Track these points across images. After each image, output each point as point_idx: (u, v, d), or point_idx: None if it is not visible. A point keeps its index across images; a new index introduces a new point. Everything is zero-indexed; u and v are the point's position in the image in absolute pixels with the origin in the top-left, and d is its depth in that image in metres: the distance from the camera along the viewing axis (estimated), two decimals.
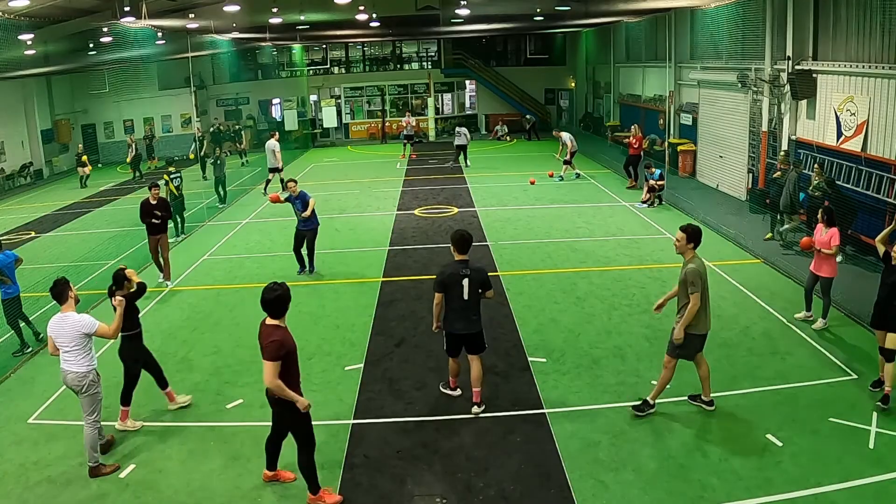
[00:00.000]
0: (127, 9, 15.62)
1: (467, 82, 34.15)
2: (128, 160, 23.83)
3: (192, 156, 26.53)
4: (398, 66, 34.52)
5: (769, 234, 12.85)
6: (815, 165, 12.24)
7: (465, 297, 6.76)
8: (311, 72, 33.50)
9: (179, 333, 9.46)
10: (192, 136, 26.92)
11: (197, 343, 9.11)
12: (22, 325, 9.29)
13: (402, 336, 9.04)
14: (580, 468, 5.99)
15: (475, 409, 6.97)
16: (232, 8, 17.78)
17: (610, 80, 27.73)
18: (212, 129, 28.74)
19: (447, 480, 5.90)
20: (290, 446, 5.73)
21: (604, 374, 7.75)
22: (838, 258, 11.29)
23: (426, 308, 9.38)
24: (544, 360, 8.17)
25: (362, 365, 8.20)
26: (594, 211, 15.75)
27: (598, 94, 30.09)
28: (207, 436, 6.75)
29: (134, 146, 24.17)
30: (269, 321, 5.34)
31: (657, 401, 6.88)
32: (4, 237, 16.20)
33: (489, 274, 7.19)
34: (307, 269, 11.79)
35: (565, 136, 19.98)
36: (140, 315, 9.77)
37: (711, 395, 6.89)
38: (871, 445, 6.14)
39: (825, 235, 8.64)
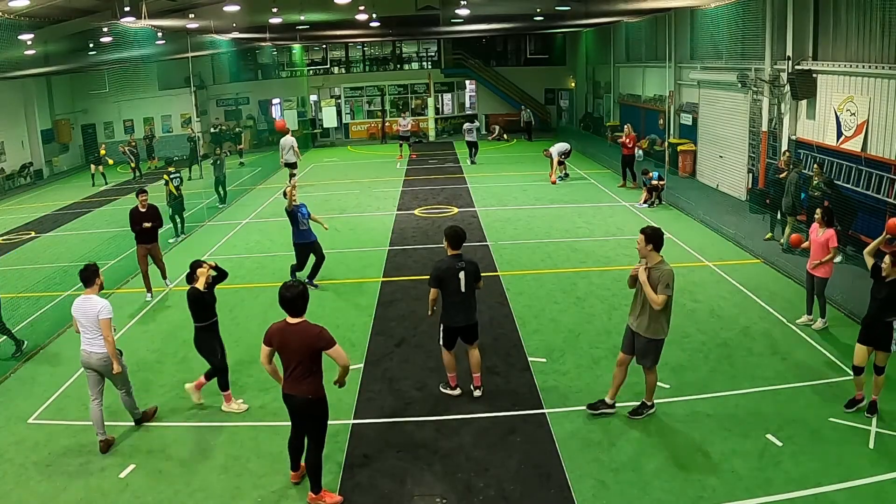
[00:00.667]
0: (127, 9, 15.63)
1: (467, 82, 34.16)
2: (132, 166, 23.74)
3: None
4: (398, 66, 34.52)
5: (769, 234, 12.85)
6: (815, 165, 12.23)
7: (463, 289, 6.99)
8: (311, 72, 33.50)
9: (179, 333, 9.44)
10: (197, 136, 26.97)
11: None
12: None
13: (402, 336, 9.04)
14: (580, 468, 5.99)
15: (477, 392, 7.28)
16: (232, 8, 17.79)
17: (610, 80, 27.73)
18: (214, 130, 28.76)
19: (447, 480, 5.90)
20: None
21: (604, 374, 7.74)
22: (837, 259, 11.31)
23: (426, 308, 9.38)
24: (544, 360, 8.17)
25: (362, 365, 8.20)
26: (594, 211, 15.75)
27: (598, 94, 30.09)
28: (207, 436, 6.75)
29: (128, 152, 23.96)
30: (293, 320, 5.38)
31: (655, 401, 6.89)
32: (4, 237, 16.24)
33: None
34: (311, 281, 10.92)
35: (553, 151, 19.25)
36: (141, 315, 9.83)
37: (654, 399, 6.83)
38: (871, 445, 6.15)
39: (821, 236, 8.51)
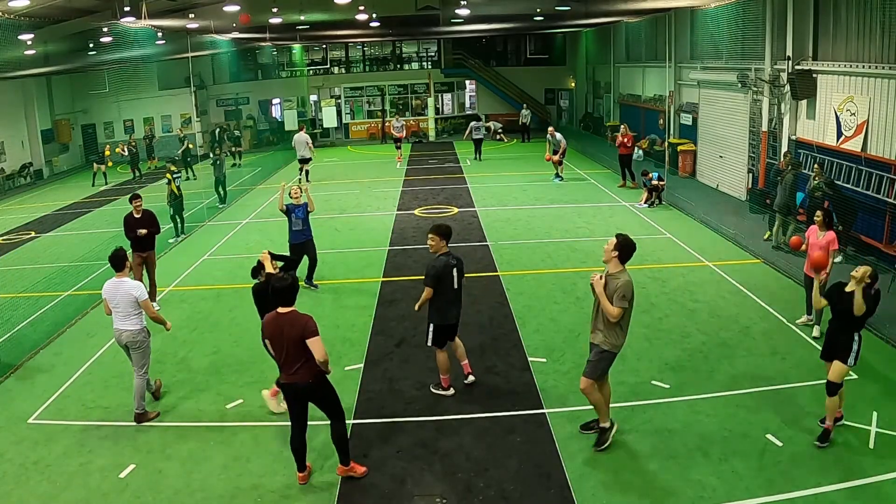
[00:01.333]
0: (127, 9, 15.62)
1: (467, 82, 34.16)
2: (130, 166, 23.77)
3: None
4: (398, 66, 34.54)
5: (768, 234, 12.83)
6: (815, 165, 12.22)
7: (456, 286, 7.12)
8: (311, 72, 33.51)
9: (179, 334, 9.44)
10: (191, 136, 26.93)
11: (197, 343, 9.11)
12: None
13: (402, 336, 9.04)
14: (580, 468, 5.99)
15: (471, 377, 7.50)
16: (232, 8, 17.79)
17: (610, 80, 27.73)
18: (214, 130, 28.72)
19: (447, 480, 5.90)
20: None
21: None
22: (837, 259, 11.30)
23: (426, 308, 9.37)
24: (544, 360, 8.17)
25: (362, 365, 8.20)
26: (594, 211, 15.75)
27: (598, 94, 30.09)
28: (207, 436, 6.75)
29: (125, 151, 23.96)
30: (284, 310, 5.55)
31: (655, 401, 6.87)
32: (4, 237, 16.25)
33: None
34: (309, 282, 10.87)
35: (559, 134, 19.49)
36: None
37: (609, 419, 6.34)
38: (871, 445, 6.15)
39: (822, 239, 8.32)
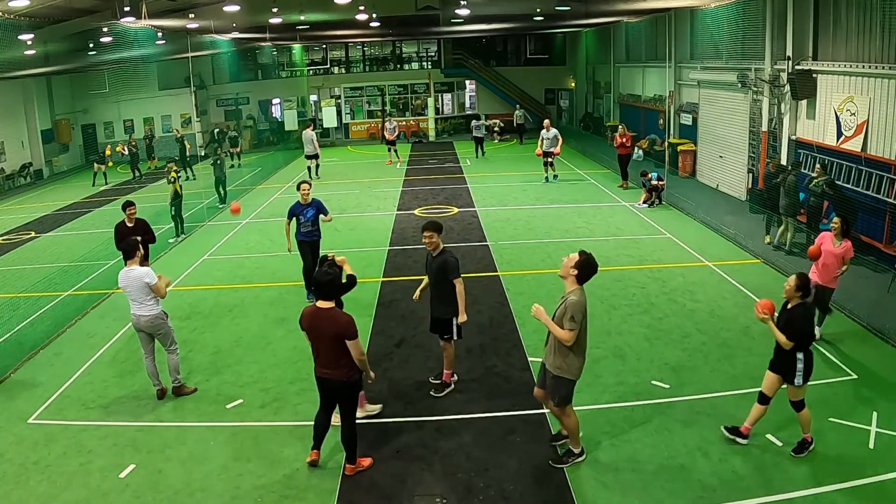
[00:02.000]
0: (127, 9, 15.63)
1: (467, 82, 34.16)
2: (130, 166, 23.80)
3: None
4: (398, 66, 34.54)
5: (767, 238, 12.76)
6: (818, 166, 12.19)
7: None
8: (311, 72, 33.51)
9: (179, 334, 9.39)
10: (190, 136, 26.92)
11: (197, 343, 9.11)
12: None
13: (402, 336, 9.04)
14: (580, 468, 5.99)
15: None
16: (232, 8, 17.79)
17: (610, 80, 27.73)
18: (213, 130, 28.72)
19: (447, 480, 5.90)
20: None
21: (604, 374, 7.75)
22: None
23: (426, 308, 9.36)
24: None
25: None
26: (594, 211, 15.75)
27: (598, 94, 30.09)
28: (207, 436, 6.75)
29: (125, 150, 23.94)
30: (324, 304, 5.64)
31: (656, 401, 6.88)
32: (4, 237, 16.25)
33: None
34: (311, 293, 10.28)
35: (554, 130, 19.03)
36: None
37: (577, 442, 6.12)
38: (871, 445, 6.15)
39: (839, 247, 8.03)
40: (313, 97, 32.68)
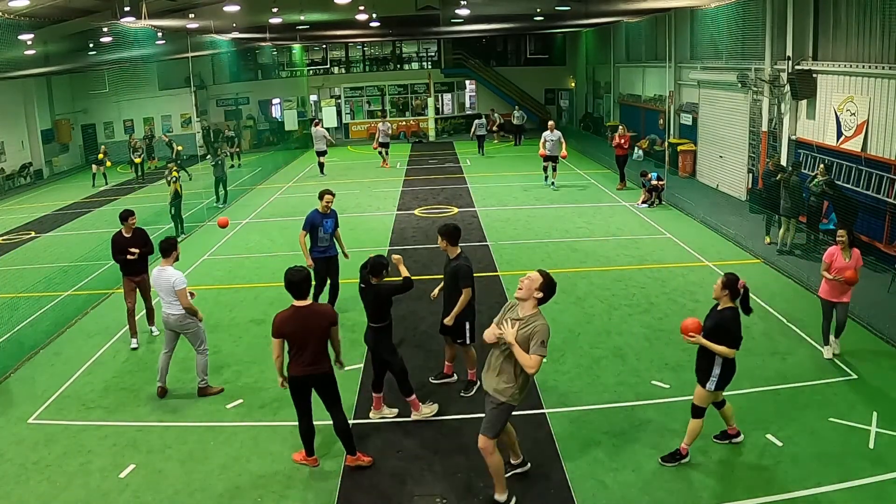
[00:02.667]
0: (127, 9, 15.63)
1: (467, 82, 34.16)
2: (137, 160, 23.58)
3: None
4: (398, 66, 34.53)
5: (768, 239, 12.75)
6: (821, 165, 12.17)
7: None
8: (311, 72, 33.50)
9: None
10: (191, 136, 26.97)
11: None
12: None
13: (402, 336, 9.02)
14: (580, 468, 5.99)
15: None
16: (232, 8, 17.79)
17: (610, 80, 27.73)
18: (209, 131, 28.73)
19: (447, 480, 5.90)
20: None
21: (604, 374, 7.75)
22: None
23: (426, 308, 9.38)
24: (544, 360, 8.15)
25: (362, 365, 8.19)
26: (594, 211, 15.75)
27: (598, 94, 30.08)
28: (207, 436, 6.75)
29: (138, 147, 23.84)
30: (301, 303, 5.68)
31: (656, 401, 6.87)
32: (4, 237, 16.25)
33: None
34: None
35: (559, 133, 18.37)
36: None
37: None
38: (871, 445, 6.15)
39: (850, 260, 7.61)
40: (313, 97, 32.68)
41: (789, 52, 13.79)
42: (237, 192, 19.98)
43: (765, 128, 15.20)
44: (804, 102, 13.81)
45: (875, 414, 6.61)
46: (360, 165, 25.13)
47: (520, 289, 5.08)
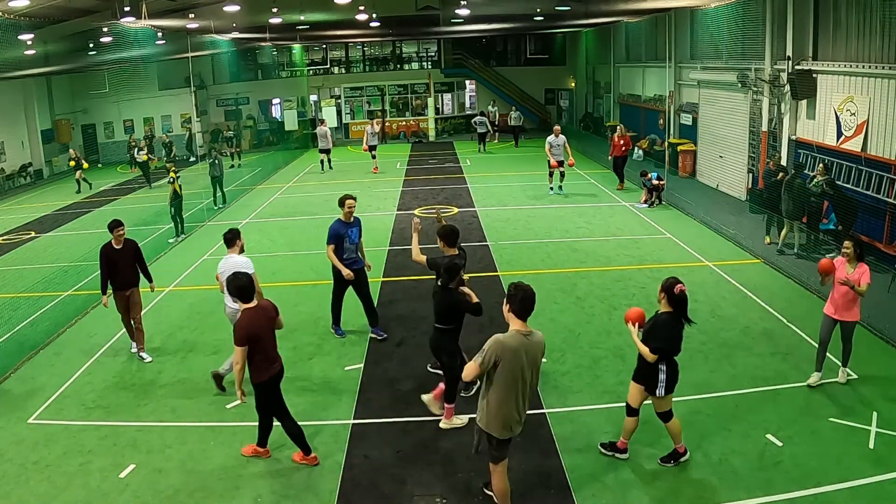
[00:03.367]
0: (127, 9, 15.63)
1: (467, 82, 34.15)
2: (143, 158, 22.89)
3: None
4: (398, 66, 34.52)
5: (768, 239, 12.75)
6: (820, 165, 12.17)
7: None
8: (311, 72, 33.49)
9: (179, 333, 9.46)
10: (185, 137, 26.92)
11: (197, 343, 9.11)
12: None
13: (402, 336, 9.03)
14: (580, 468, 5.99)
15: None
16: (232, 8, 17.79)
17: (610, 80, 27.73)
18: (211, 130, 28.71)
19: (447, 480, 5.90)
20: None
21: (604, 374, 7.75)
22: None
23: (426, 308, 9.35)
24: (544, 360, 8.12)
25: (362, 365, 8.20)
26: (594, 211, 15.75)
27: (598, 94, 30.08)
28: (207, 436, 6.76)
29: (142, 148, 23.27)
30: (251, 304, 5.77)
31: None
32: (4, 237, 16.25)
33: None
34: (377, 330, 8.90)
35: (563, 137, 17.68)
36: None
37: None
38: (871, 445, 6.15)
39: (854, 273, 6.96)
40: (313, 97, 32.66)
41: (789, 52, 13.79)
42: (237, 192, 19.98)
43: (765, 128, 15.20)
44: (804, 102, 13.81)
45: (875, 414, 6.61)
46: (360, 165, 25.11)
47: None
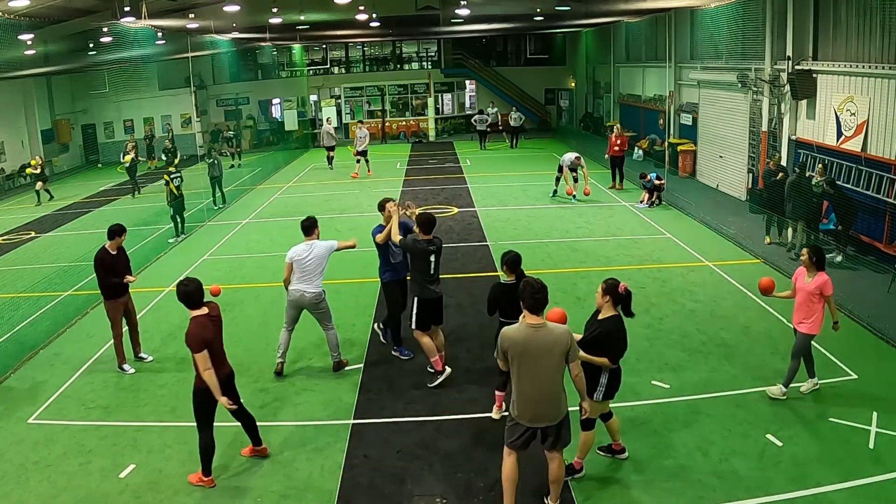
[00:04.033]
0: (127, 9, 15.63)
1: (467, 82, 34.15)
2: (126, 160, 22.57)
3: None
4: (398, 66, 34.52)
5: (768, 239, 12.74)
6: (819, 166, 12.17)
7: (432, 270, 7.52)
8: (311, 72, 33.49)
9: (179, 333, 9.42)
10: (191, 136, 26.89)
11: None
12: None
13: (404, 334, 9.01)
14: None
15: (448, 370, 7.61)
16: (232, 8, 17.79)
17: (610, 80, 27.73)
18: (211, 130, 28.70)
19: (447, 480, 5.90)
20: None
21: None
22: (837, 258, 11.24)
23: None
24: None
25: (362, 365, 8.20)
26: (594, 211, 15.75)
27: (598, 94, 30.09)
28: None
29: (128, 151, 22.53)
30: (201, 311, 5.76)
31: (656, 401, 6.85)
32: (4, 237, 16.25)
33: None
34: (394, 345, 8.52)
35: (563, 162, 16.86)
36: (139, 315, 9.83)
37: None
38: (871, 445, 6.14)
39: (810, 283, 6.72)
40: (313, 97, 32.67)
41: (789, 52, 13.79)
42: (237, 192, 19.98)
43: (765, 128, 15.20)
44: (804, 102, 13.80)
45: (875, 414, 6.61)
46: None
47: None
